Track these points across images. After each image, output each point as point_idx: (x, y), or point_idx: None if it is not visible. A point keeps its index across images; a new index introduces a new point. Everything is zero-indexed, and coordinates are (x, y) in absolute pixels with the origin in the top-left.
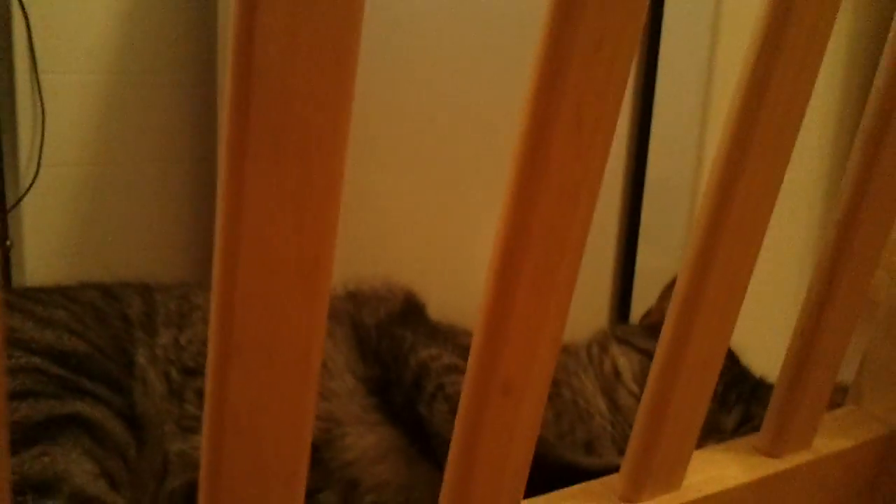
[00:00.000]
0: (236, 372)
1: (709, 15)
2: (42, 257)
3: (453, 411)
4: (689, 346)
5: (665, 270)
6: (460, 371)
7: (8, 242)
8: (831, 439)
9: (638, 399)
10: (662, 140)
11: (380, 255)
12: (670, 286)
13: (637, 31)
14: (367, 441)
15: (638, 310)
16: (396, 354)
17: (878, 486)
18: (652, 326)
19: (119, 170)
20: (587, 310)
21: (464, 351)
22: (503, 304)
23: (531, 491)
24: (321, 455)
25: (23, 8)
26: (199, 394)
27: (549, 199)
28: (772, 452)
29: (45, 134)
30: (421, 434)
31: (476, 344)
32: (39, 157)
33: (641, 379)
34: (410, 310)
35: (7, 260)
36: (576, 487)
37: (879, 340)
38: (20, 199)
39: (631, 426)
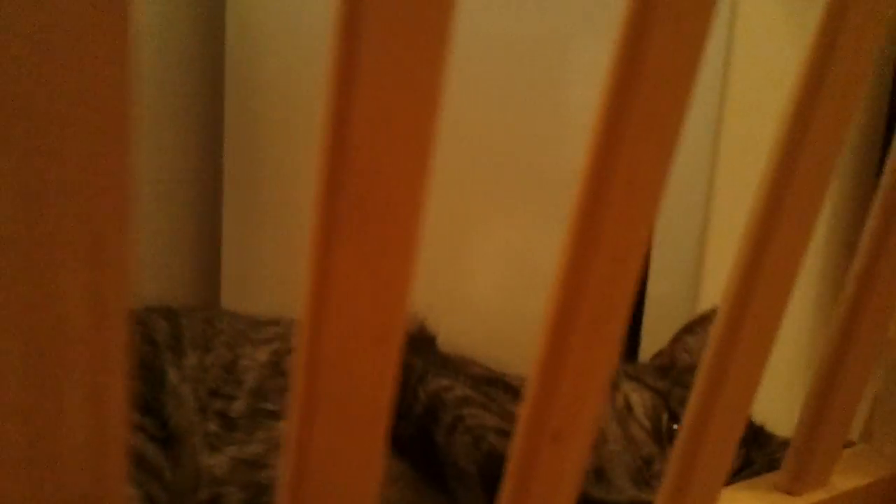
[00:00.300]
0: (318, 427)
1: (720, 55)
2: None
3: (476, 443)
4: (722, 391)
5: (675, 300)
6: (476, 403)
7: None
8: (846, 477)
9: (648, 433)
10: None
11: None
12: (684, 330)
13: (684, 109)
14: None
15: (648, 337)
16: (405, 383)
17: None
18: (662, 368)
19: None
20: None
21: (475, 382)
22: (556, 359)
23: None
24: None
25: None
26: (219, 414)
27: (602, 263)
28: (792, 490)
29: None
30: (431, 463)
31: (529, 394)
32: None
33: (652, 414)
34: (424, 338)
35: None
36: None
37: (892, 380)
38: None
39: (642, 457)
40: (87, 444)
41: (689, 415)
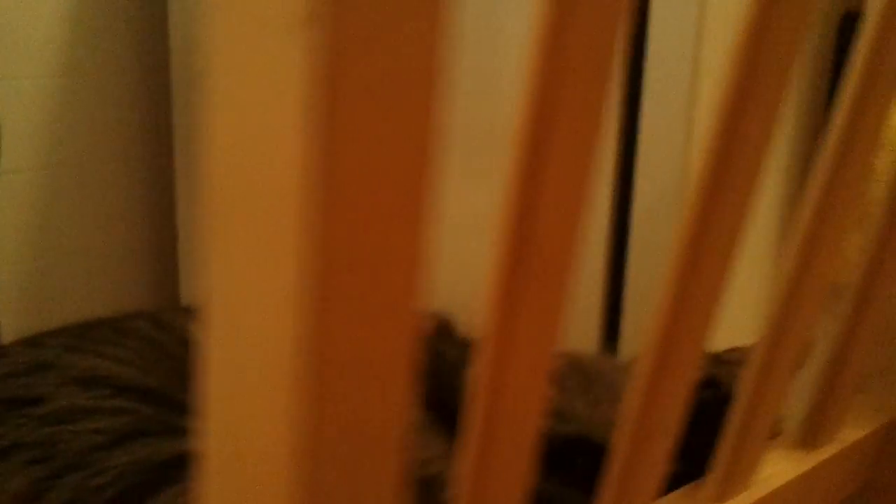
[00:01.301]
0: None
1: (692, 35)
2: (2, 265)
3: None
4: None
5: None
6: None
7: None
8: (850, 430)
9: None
10: (648, 155)
11: None
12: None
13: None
14: None
15: (627, 324)
16: (439, 369)
17: (882, 471)
18: None
19: (75, 172)
20: (576, 326)
21: None
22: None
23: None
24: None
25: None
26: None
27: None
28: (811, 445)
29: (1, 141)
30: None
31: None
32: None
33: None
34: (447, 330)
35: None
36: (671, 496)
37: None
38: None
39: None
40: None
41: (741, 396)
